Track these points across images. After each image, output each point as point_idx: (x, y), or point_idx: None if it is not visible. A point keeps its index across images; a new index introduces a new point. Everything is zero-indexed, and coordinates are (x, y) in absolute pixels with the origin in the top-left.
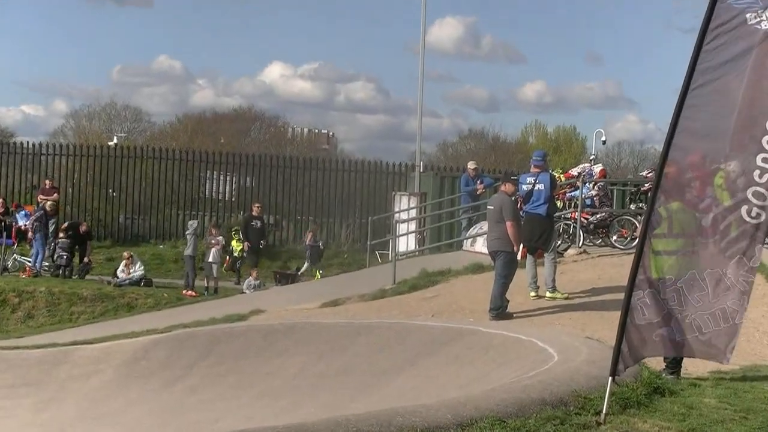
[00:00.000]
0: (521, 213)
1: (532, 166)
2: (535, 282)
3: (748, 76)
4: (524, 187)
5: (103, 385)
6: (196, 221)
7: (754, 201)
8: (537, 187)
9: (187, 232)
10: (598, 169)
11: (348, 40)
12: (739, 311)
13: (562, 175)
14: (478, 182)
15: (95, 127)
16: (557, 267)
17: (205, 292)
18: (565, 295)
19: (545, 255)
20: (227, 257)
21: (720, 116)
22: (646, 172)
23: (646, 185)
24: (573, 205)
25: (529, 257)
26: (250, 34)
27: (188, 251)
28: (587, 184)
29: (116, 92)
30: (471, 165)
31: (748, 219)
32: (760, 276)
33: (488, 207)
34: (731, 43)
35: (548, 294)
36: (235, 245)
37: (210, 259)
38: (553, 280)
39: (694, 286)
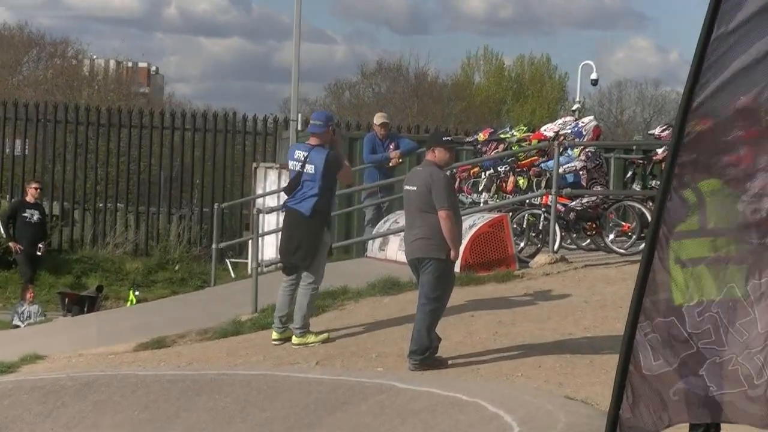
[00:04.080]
0: (282, 207)
1: (310, 134)
2: (283, 318)
3: None
4: (290, 164)
5: None
6: None
7: None
8: (307, 168)
9: None
10: (591, 125)
11: None
12: None
13: (528, 134)
14: (391, 147)
15: None
16: (315, 299)
17: None
18: (324, 336)
19: (303, 276)
20: None
21: None
22: (659, 129)
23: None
24: (545, 183)
25: (285, 281)
26: None
27: None
28: (569, 151)
29: None
30: (379, 119)
31: None
32: None
33: (407, 187)
34: None
35: (295, 339)
36: None
37: None
38: (305, 317)
39: (736, 310)
